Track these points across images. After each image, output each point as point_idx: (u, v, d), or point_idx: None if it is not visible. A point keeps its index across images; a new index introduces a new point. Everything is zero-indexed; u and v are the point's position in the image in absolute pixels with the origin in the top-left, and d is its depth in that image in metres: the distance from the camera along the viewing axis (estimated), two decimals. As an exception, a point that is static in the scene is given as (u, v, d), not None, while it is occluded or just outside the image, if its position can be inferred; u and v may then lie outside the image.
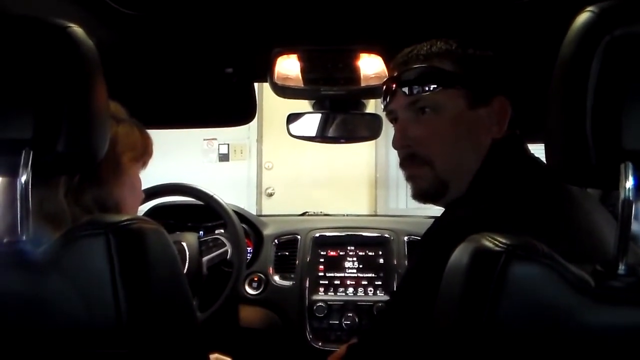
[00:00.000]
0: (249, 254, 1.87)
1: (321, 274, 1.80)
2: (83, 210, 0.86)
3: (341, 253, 1.83)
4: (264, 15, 1.20)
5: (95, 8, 1.10)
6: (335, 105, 1.54)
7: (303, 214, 2.23)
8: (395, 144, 1.01)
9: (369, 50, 1.32)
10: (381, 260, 1.80)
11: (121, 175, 0.95)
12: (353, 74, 1.38)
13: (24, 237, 0.66)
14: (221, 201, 1.74)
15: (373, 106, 1.71)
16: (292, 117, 1.56)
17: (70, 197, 0.86)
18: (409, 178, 1.02)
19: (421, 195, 1.01)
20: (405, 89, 0.97)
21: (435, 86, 0.94)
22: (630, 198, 0.54)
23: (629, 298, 0.55)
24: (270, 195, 4.09)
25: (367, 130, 1.57)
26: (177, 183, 1.78)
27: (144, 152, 1.02)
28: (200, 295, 1.61)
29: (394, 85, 0.99)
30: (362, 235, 1.87)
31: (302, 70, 1.38)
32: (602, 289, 0.56)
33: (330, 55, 1.36)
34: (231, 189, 3.41)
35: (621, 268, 0.56)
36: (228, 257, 1.70)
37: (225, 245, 1.70)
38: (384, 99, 1.03)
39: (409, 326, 0.85)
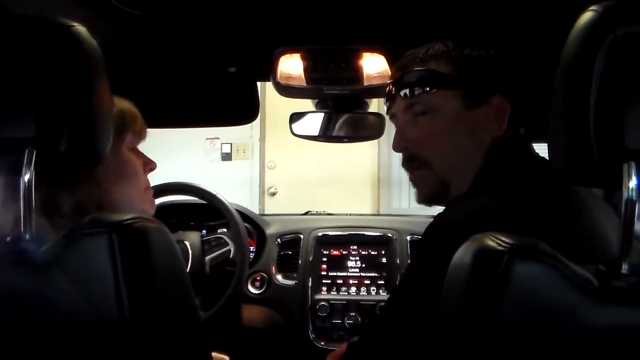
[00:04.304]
0: (251, 253, 1.87)
1: (324, 273, 1.80)
2: (66, 219, 0.83)
3: (344, 252, 1.83)
4: (267, 14, 1.20)
5: (99, 7, 1.10)
6: (338, 104, 1.54)
7: (306, 213, 2.23)
8: (395, 146, 1.03)
9: (372, 49, 1.32)
10: (384, 260, 1.81)
11: (99, 167, 0.84)
12: (356, 74, 1.38)
13: (27, 236, 0.66)
14: (224, 200, 1.74)
15: (376, 105, 1.71)
16: (295, 117, 1.56)
17: (52, 209, 0.83)
18: (413, 184, 1.05)
19: (426, 199, 1.03)
20: (403, 92, 0.98)
21: (431, 88, 0.95)
22: (633, 198, 0.54)
23: (632, 298, 0.55)
24: (273, 194, 4.09)
25: (370, 129, 1.57)
26: (180, 182, 1.78)
27: (123, 126, 0.92)
28: (203, 294, 1.61)
29: (394, 89, 1.01)
30: (364, 234, 1.88)
31: (305, 70, 1.38)
32: (605, 288, 0.55)
33: (333, 55, 1.36)
34: (234, 188, 3.41)
35: (624, 268, 0.56)
36: (231, 256, 1.70)
37: (228, 245, 1.70)
38: (386, 102, 1.05)
39: (410, 323, 0.85)
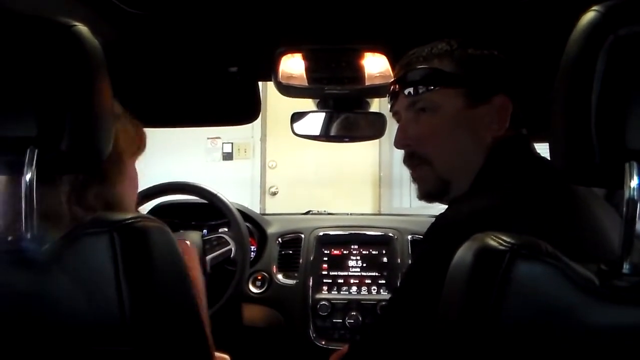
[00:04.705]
0: (252, 253, 1.87)
1: (325, 272, 1.80)
2: (85, 209, 0.85)
3: (345, 252, 1.83)
4: (268, 14, 1.20)
5: (100, 7, 1.10)
6: (339, 104, 1.54)
7: (306, 213, 2.23)
8: (396, 143, 1.04)
9: (373, 49, 1.32)
10: (385, 259, 1.81)
11: (124, 171, 0.94)
12: (357, 73, 1.38)
13: (28, 235, 0.67)
14: (225, 200, 1.74)
15: (377, 105, 1.71)
16: (296, 116, 1.56)
17: (73, 197, 0.85)
18: (414, 180, 1.05)
19: (425, 195, 1.04)
20: (406, 90, 0.99)
21: (434, 86, 0.96)
22: (635, 197, 0.54)
23: (634, 297, 0.55)
24: (274, 194, 4.09)
25: (371, 129, 1.57)
26: (181, 182, 1.78)
27: (140, 147, 1.02)
28: (204, 293, 1.61)
29: (397, 87, 1.01)
30: (365, 234, 1.87)
31: (307, 69, 1.38)
32: (607, 288, 0.55)
33: (334, 55, 1.36)
34: (235, 188, 3.42)
35: (626, 267, 0.56)
36: (232, 255, 1.70)
37: (229, 244, 1.70)
38: (390, 100, 1.06)
39: (411, 322, 0.85)
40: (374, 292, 1.75)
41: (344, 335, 1.69)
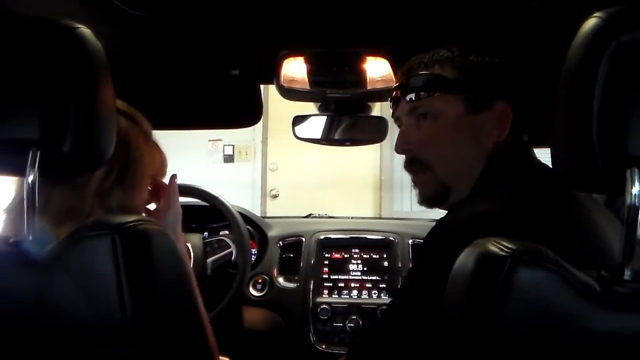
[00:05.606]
0: (253, 256, 1.87)
1: (325, 276, 1.79)
2: (105, 211, 0.88)
3: (345, 255, 1.83)
4: (270, 17, 1.21)
5: (103, 9, 1.10)
6: (340, 107, 1.54)
7: (307, 216, 2.24)
8: (397, 148, 1.04)
9: (375, 53, 1.33)
10: (385, 263, 1.80)
11: (139, 187, 0.98)
12: (359, 77, 1.38)
13: (30, 237, 0.67)
14: (226, 202, 1.74)
15: (378, 109, 1.71)
16: (298, 120, 1.56)
17: (98, 198, 0.88)
18: (415, 185, 1.05)
19: (426, 201, 1.04)
20: (407, 96, 0.99)
21: (434, 92, 0.96)
22: (636, 204, 0.54)
23: (635, 304, 0.55)
24: (275, 196, 4.09)
25: (373, 133, 1.57)
26: (182, 184, 1.78)
27: (160, 172, 1.08)
28: (204, 296, 1.61)
29: (399, 93, 1.02)
30: (366, 237, 1.87)
31: (308, 73, 1.39)
32: (608, 294, 0.55)
33: (336, 58, 1.36)
34: (236, 190, 3.42)
35: (627, 274, 0.56)
36: (232, 258, 1.70)
37: (229, 247, 1.70)
38: (391, 106, 1.06)
39: (411, 327, 0.85)
40: (374, 296, 1.75)
41: (344, 339, 1.68)
